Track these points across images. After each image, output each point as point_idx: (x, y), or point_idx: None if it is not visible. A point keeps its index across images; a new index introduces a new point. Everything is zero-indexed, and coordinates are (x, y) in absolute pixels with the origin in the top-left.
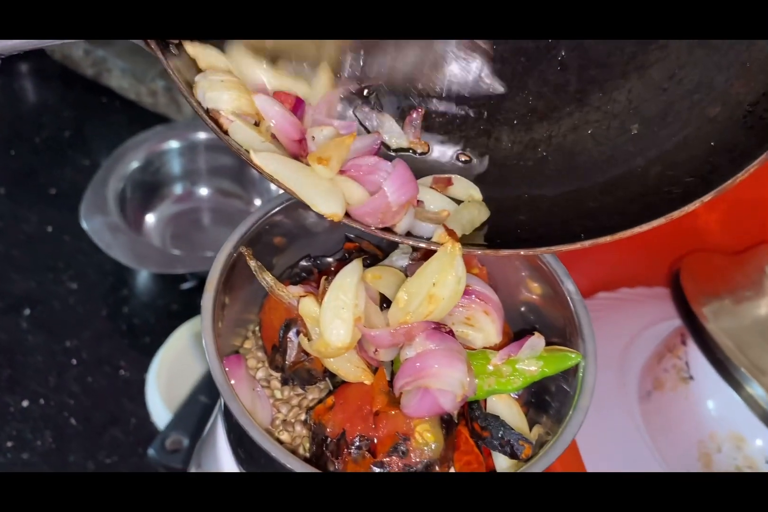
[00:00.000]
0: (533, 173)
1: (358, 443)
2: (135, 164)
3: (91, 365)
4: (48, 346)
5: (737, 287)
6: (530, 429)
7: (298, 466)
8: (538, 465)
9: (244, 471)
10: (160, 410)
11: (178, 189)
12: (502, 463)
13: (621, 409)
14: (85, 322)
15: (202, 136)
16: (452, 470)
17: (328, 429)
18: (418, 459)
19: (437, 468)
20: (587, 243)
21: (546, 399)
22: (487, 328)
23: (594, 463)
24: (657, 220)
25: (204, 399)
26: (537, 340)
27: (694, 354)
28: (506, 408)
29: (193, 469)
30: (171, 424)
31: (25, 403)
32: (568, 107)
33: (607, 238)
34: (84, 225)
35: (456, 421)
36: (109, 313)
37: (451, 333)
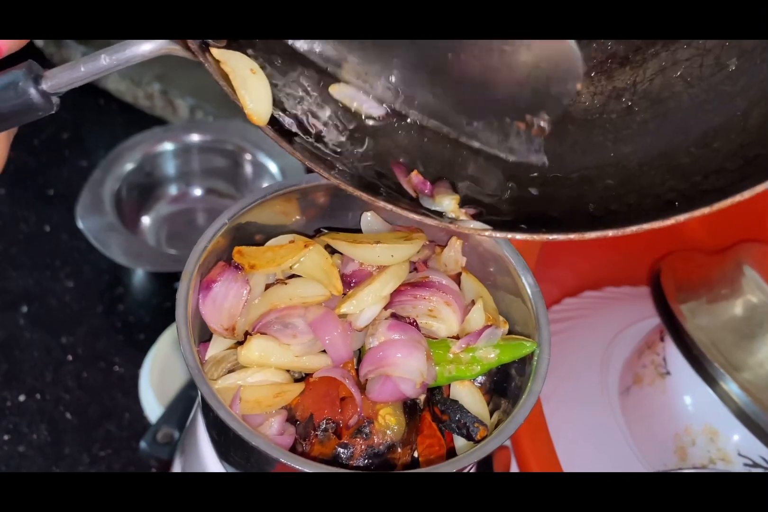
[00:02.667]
0: (618, 127)
1: (324, 426)
2: (130, 165)
3: (87, 361)
4: (44, 342)
5: (715, 285)
6: (491, 415)
7: (264, 445)
8: (489, 445)
9: (218, 453)
10: (153, 404)
11: (172, 190)
12: (461, 445)
13: (602, 404)
14: (80, 319)
15: (196, 138)
16: (415, 452)
17: (297, 413)
18: (380, 441)
19: (399, 450)
20: (682, 217)
21: (506, 387)
22: (449, 319)
23: (573, 455)
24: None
25: (194, 394)
26: (494, 330)
27: (671, 350)
28: (468, 396)
29: (177, 456)
30: (162, 418)
31: (21, 398)
32: (653, 48)
33: (705, 210)
34: (80, 224)
35: (421, 408)
36: (105, 310)
37: (414, 324)
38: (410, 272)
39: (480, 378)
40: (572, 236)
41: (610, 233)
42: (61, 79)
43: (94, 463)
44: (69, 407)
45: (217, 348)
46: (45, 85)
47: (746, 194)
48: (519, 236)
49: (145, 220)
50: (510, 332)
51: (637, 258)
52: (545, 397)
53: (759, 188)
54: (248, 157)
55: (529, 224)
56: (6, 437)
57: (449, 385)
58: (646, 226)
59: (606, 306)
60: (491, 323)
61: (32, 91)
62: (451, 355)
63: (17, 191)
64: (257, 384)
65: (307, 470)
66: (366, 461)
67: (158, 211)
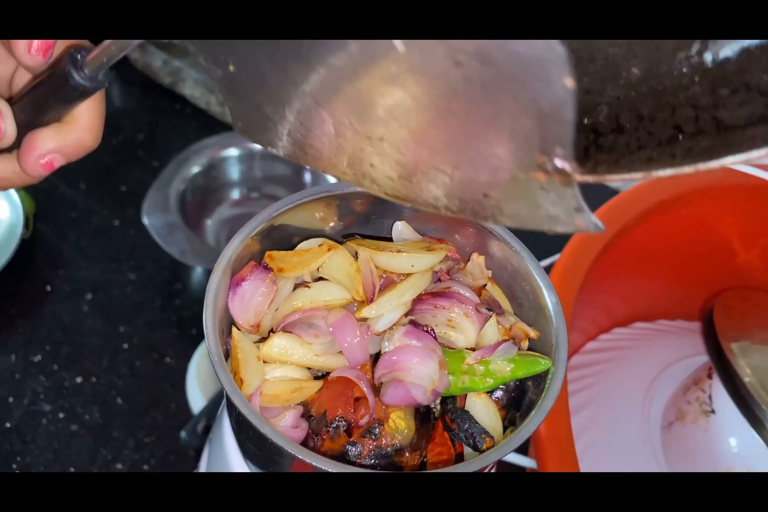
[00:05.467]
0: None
1: (336, 423)
2: (197, 168)
3: (141, 350)
4: (104, 330)
5: None
6: (504, 430)
7: (270, 432)
8: (492, 456)
9: (238, 442)
10: (197, 397)
11: (235, 194)
12: (467, 455)
13: (642, 437)
14: (139, 311)
15: (258, 145)
16: (425, 459)
17: (312, 409)
18: (388, 443)
19: (407, 454)
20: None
21: (522, 404)
22: (467, 330)
23: None
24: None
25: None
26: (509, 345)
27: (718, 388)
28: (483, 409)
29: (206, 445)
30: (204, 411)
31: (78, 380)
32: None
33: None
34: (145, 221)
35: (435, 416)
36: (162, 304)
37: (431, 332)
38: (434, 282)
39: (498, 394)
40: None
41: (589, 179)
42: (98, 61)
43: (138, 449)
44: (120, 393)
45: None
46: (87, 70)
47: (746, 156)
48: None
49: (207, 221)
50: (529, 348)
51: (693, 293)
52: (583, 426)
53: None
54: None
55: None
56: (61, 415)
57: (465, 396)
58: (626, 176)
59: (657, 338)
60: (507, 338)
61: (80, 80)
62: (465, 366)
63: (93, 186)
64: (277, 379)
65: (308, 460)
66: (373, 461)
67: (220, 214)
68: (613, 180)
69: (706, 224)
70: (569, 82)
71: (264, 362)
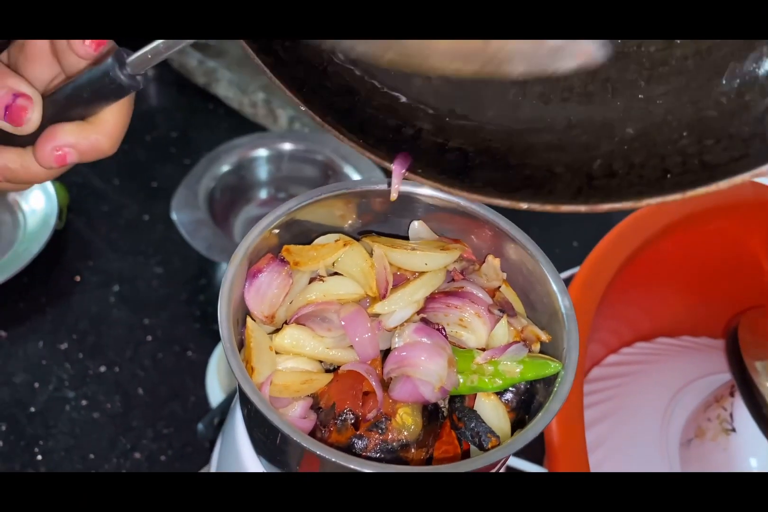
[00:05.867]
0: (655, 62)
1: (344, 416)
2: (226, 167)
3: (164, 343)
4: (129, 321)
5: None
6: (513, 433)
7: (282, 424)
8: (495, 455)
9: (248, 432)
10: (216, 391)
11: (262, 193)
12: (472, 454)
13: (660, 453)
14: (164, 304)
15: (289, 146)
16: (431, 455)
17: (322, 402)
18: (394, 437)
19: (413, 450)
20: (654, 201)
21: (531, 407)
22: (478, 330)
23: None
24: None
25: None
26: (520, 347)
27: (739, 406)
28: (492, 410)
29: (219, 437)
30: (222, 404)
31: (102, 369)
32: None
33: (681, 195)
34: (173, 216)
35: (444, 415)
36: (187, 299)
37: (441, 330)
38: (448, 282)
39: (508, 396)
40: (548, 207)
41: (582, 208)
42: (140, 62)
43: (157, 439)
44: (142, 383)
45: None
46: (129, 69)
47: (728, 182)
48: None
49: (234, 220)
50: (541, 351)
51: (718, 308)
52: (600, 439)
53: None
54: (336, 168)
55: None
56: (84, 402)
57: (474, 396)
58: (618, 205)
59: (680, 354)
60: (519, 340)
61: (121, 76)
62: (474, 366)
63: (126, 181)
64: (288, 370)
65: (313, 449)
66: (378, 455)
67: (247, 213)
68: (604, 209)
69: (734, 240)
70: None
71: (276, 353)
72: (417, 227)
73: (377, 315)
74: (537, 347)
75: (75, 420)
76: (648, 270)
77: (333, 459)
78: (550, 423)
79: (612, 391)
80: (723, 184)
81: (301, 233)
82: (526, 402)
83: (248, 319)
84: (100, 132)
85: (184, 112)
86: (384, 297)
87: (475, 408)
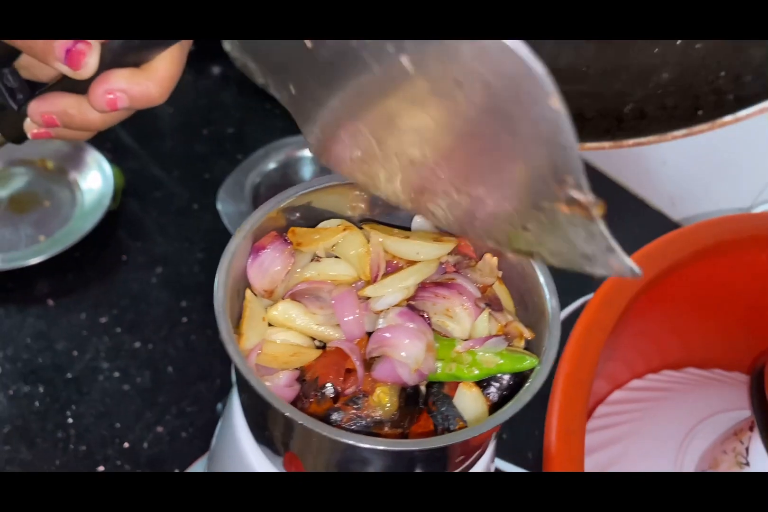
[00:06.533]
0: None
1: (325, 389)
2: (273, 164)
3: (197, 326)
4: (167, 302)
5: None
6: None
7: (257, 383)
8: (459, 436)
9: (241, 401)
10: None
11: None
12: None
13: None
14: (202, 289)
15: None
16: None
17: (307, 375)
18: (368, 413)
19: (386, 429)
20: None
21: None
22: (463, 322)
23: None
24: None
25: None
26: (499, 340)
27: (756, 441)
28: (471, 401)
29: (221, 418)
30: None
31: (137, 344)
32: None
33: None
34: (219, 206)
35: (424, 401)
36: None
37: (426, 317)
38: (442, 274)
39: (491, 390)
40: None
41: (607, 145)
42: None
43: (180, 416)
44: (172, 362)
45: None
46: None
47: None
48: None
49: None
50: (526, 348)
51: (750, 342)
52: (611, 459)
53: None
54: None
55: None
56: (116, 374)
57: (456, 386)
58: (643, 140)
59: (708, 386)
60: (501, 333)
61: None
62: (454, 354)
63: (180, 171)
64: (279, 342)
65: (283, 410)
66: (352, 428)
67: None
68: (629, 144)
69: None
70: (554, 103)
71: (270, 325)
72: (419, 221)
73: (367, 298)
74: (521, 343)
75: (106, 390)
76: (679, 293)
77: (300, 421)
78: (549, 435)
79: (631, 415)
80: (752, 109)
81: (309, 217)
82: (507, 399)
83: (248, 291)
84: (152, 79)
85: (242, 109)
86: (375, 281)
87: (455, 397)
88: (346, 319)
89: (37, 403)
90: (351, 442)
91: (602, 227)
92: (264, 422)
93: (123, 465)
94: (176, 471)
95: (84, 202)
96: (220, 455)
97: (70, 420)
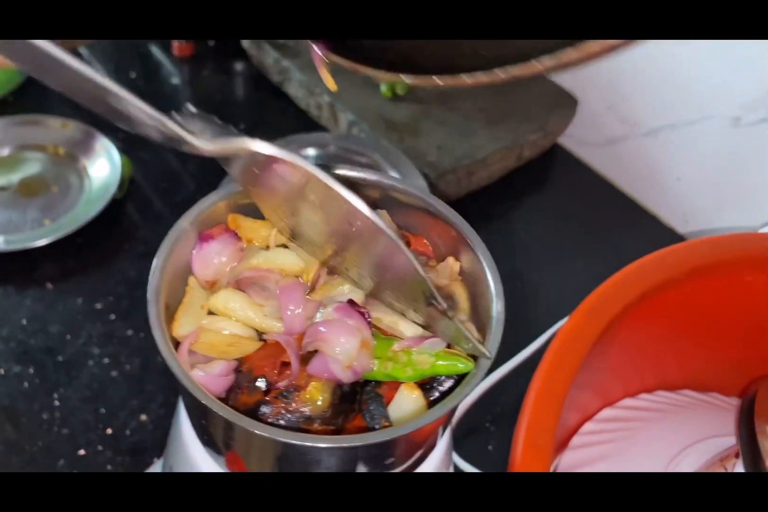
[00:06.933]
0: None
1: (257, 382)
2: None
3: None
4: None
5: None
6: None
7: (174, 364)
8: (380, 435)
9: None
10: None
11: None
12: None
13: None
14: None
15: (336, 147)
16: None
17: (244, 366)
18: (296, 408)
19: (316, 425)
20: None
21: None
22: (413, 323)
23: None
24: None
25: None
26: (437, 341)
27: (740, 468)
28: (410, 403)
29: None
30: None
31: (129, 332)
32: None
33: None
34: None
35: (359, 399)
36: None
37: (366, 314)
38: None
39: (435, 394)
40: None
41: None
42: None
43: (164, 405)
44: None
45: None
46: None
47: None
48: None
49: None
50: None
51: (744, 367)
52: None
53: None
54: (380, 171)
55: None
56: (106, 360)
57: (397, 387)
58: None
59: (702, 409)
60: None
61: None
62: (390, 353)
63: (187, 163)
64: (217, 330)
65: (195, 393)
66: (279, 422)
67: None
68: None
69: (763, 297)
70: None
71: (211, 313)
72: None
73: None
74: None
75: (95, 375)
76: (676, 311)
77: (207, 405)
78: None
79: (619, 433)
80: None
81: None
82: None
83: (191, 278)
84: None
85: (256, 106)
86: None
87: (395, 398)
88: (289, 312)
89: (26, 384)
90: (258, 432)
91: (458, 324)
92: (198, 417)
93: (104, 451)
94: (155, 460)
95: (92, 189)
96: (168, 453)
97: (57, 403)
